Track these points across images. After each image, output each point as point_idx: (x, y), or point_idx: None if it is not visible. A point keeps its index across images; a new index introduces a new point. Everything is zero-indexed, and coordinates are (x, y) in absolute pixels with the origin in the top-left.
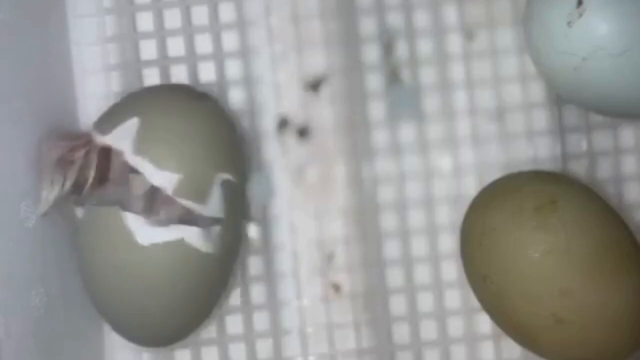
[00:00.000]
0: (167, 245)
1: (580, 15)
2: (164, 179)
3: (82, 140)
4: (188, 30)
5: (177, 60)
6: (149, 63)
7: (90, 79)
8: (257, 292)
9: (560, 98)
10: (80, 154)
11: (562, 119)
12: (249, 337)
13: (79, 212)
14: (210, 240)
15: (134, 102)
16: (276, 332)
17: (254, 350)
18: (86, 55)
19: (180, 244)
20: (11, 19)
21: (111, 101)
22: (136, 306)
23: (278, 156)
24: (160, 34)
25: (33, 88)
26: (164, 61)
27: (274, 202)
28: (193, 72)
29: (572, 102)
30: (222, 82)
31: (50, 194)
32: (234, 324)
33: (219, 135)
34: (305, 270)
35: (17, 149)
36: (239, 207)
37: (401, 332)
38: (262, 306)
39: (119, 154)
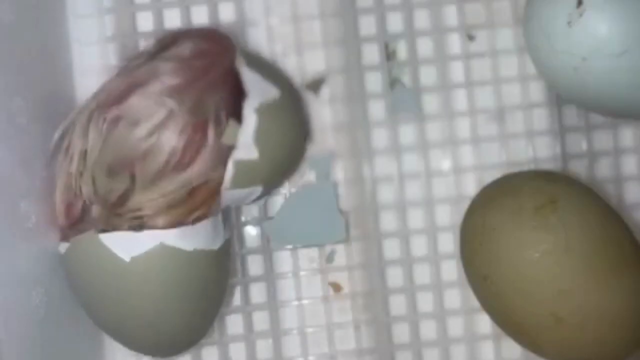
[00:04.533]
0: (151, 253)
1: (580, 15)
2: None
3: None
4: None
5: None
6: None
7: (91, 79)
8: (257, 292)
9: (560, 98)
10: None
11: (562, 119)
12: (249, 337)
13: (62, 247)
14: (191, 238)
15: None
16: (276, 332)
17: (254, 350)
18: (86, 55)
19: (162, 248)
20: (11, 19)
21: None
22: (140, 321)
23: None
24: (160, 33)
25: (33, 88)
26: None
27: (274, 202)
28: None
29: (572, 102)
30: None
31: None
32: (234, 324)
33: None
34: (305, 270)
35: (17, 149)
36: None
37: (401, 332)
38: (262, 306)
39: None
